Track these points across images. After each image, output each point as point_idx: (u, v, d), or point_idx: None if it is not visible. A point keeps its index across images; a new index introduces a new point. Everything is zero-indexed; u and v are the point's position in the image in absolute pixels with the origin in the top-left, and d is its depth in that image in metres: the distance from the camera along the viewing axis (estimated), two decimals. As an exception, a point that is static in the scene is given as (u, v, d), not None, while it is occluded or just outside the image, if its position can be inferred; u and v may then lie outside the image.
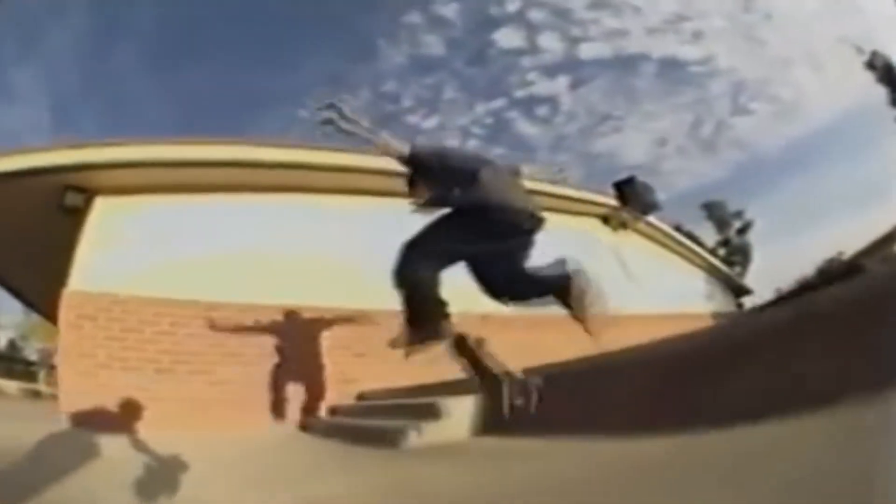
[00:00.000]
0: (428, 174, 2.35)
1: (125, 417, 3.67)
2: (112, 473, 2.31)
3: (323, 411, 4.24)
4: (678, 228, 19.16)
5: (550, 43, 36.13)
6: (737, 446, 1.22)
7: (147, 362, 3.98)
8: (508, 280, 2.40)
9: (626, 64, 36.56)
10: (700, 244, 16.86)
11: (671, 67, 35.69)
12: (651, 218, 9.78)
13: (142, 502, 1.79)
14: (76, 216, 4.44)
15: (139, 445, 3.00)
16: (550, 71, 38.76)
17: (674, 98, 38.74)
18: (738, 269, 19.19)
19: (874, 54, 13.63)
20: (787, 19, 29.26)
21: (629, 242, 9.03)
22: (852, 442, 1.01)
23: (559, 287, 2.49)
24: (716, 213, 22.82)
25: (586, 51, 35.68)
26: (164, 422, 3.63)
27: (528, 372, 2.39)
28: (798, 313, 1.53)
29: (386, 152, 2.31)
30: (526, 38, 34.63)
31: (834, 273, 11.24)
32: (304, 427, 3.88)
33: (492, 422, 2.37)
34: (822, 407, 1.13)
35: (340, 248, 5.04)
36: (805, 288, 11.32)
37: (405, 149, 2.30)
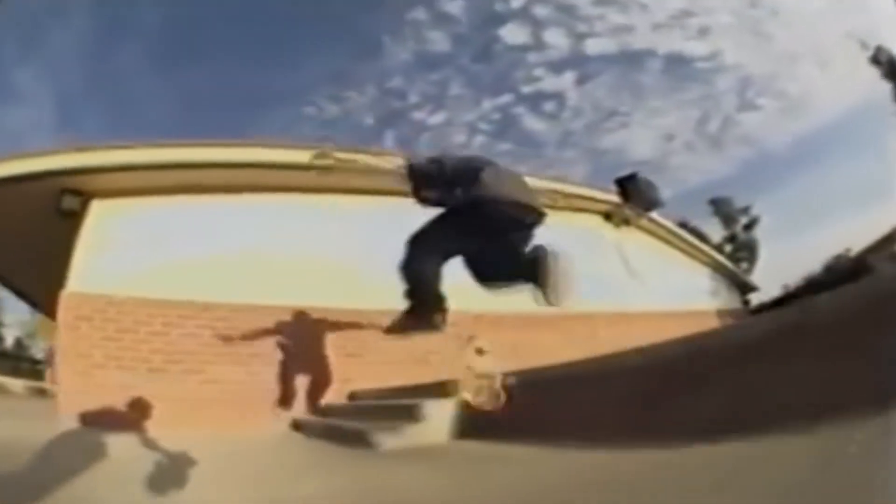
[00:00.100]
0: (429, 182, 2.48)
1: (121, 416, 3.81)
2: (109, 471, 2.43)
3: (315, 411, 4.36)
4: (684, 224, 19.11)
5: (556, 39, 35.99)
6: (718, 461, 1.20)
7: (141, 362, 4.12)
8: (500, 269, 2.53)
9: (632, 60, 36.44)
10: (706, 240, 16.80)
11: (677, 63, 35.52)
12: (655, 214, 9.78)
13: (131, 498, 1.89)
14: (73, 219, 4.59)
15: (132, 443, 3.13)
16: (556, 67, 38.69)
17: (680, 94, 38.60)
18: (744, 265, 19.10)
19: (879, 50, 13.47)
20: (793, 15, 29.06)
21: (632, 239, 9.01)
22: (845, 462, 0.95)
23: (534, 269, 2.60)
24: (722, 209, 22.70)
25: (592, 47, 35.51)
26: (157, 420, 3.76)
27: (509, 375, 2.48)
28: (789, 321, 1.45)
29: (385, 173, 2.46)
30: (531, 34, 34.59)
31: (841, 270, 11.16)
32: (297, 427, 3.99)
33: (473, 426, 2.39)
34: (813, 423, 1.08)
35: (336, 248, 5.14)
36: (812, 285, 11.26)
37: (402, 166, 2.43)
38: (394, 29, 39.96)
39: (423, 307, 2.53)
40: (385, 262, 4.74)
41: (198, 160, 4.90)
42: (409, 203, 2.59)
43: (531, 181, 6.09)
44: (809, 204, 29.14)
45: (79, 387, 4.01)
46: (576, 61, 39.29)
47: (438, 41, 37.92)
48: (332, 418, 3.52)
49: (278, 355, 4.45)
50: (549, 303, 2.42)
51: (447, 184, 2.41)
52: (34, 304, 9.12)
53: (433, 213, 2.65)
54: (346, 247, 5.10)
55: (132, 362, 4.11)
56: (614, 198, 8.40)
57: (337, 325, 4.76)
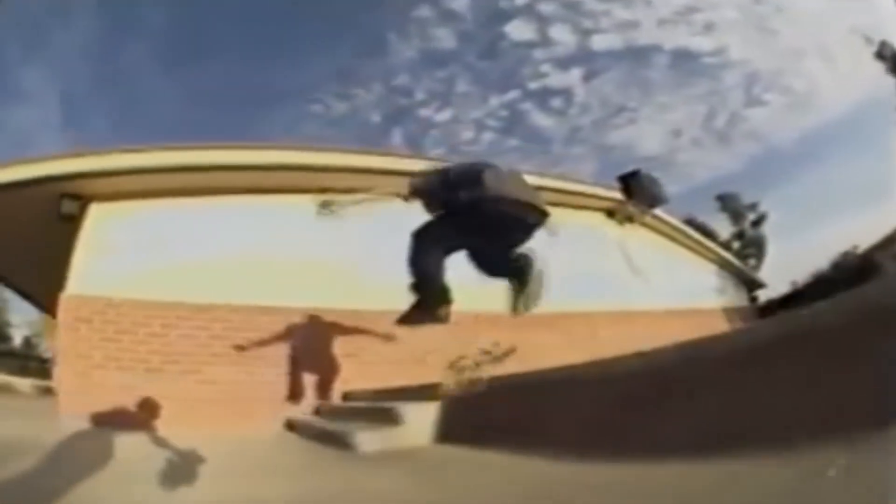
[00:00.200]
0: (433, 195, 2.59)
1: (121, 415, 3.94)
2: (107, 468, 2.53)
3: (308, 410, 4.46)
4: (691, 221, 19.02)
5: (562, 35, 35.94)
6: (695, 481, 1.16)
7: (139, 363, 4.25)
8: (500, 268, 2.66)
9: (638, 56, 36.49)
10: (713, 237, 16.72)
11: (684, 59, 35.55)
12: (660, 211, 9.75)
13: (127, 495, 1.99)
14: (73, 223, 4.72)
15: (130, 442, 3.24)
16: (563, 63, 38.64)
17: (687, 89, 38.50)
18: (752, 262, 19.01)
19: (883, 45, 13.34)
20: (797, 10, 28.98)
21: (636, 237, 8.99)
22: (824, 485, 0.90)
23: (516, 274, 2.72)
24: (730, 205, 22.59)
25: (598, 43, 35.49)
26: (152, 419, 3.88)
27: (479, 381, 2.56)
28: (780, 332, 1.35)
29: (389, 197, 2.59)
30: (537, 30, 34.59)
31: (848, 267, 11.10)
32: (291, 426, 4.09)
33: (454, 430, 2.41)
34: (796, 445, 1.03)
35: (333, 249, 5.22)
36: (820, 282, 11.20)
37: (405, 189, 2.55)
38: (399, 26, 40.20)
39: (430, 300, 2.64)
40: (382, 263, 4.86)
41: (195, 163, 5.01)
42: (406, 204, 2.69)
43: (534, 180, 6.17)
44: (817, 200, 29.10)
45: (79, 387, 4.15)
46: (582, 57, 39.36)
47: (444, 38, 38.03)
48: (322, 419, 3.60)
49: (286, 355, 4.59)
50: (514, 310, 2.55)
51: (451, 189, 2.50)
52: (39, 305, 9.35)
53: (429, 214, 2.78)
54: (343, 248, 5.18)
55: (131, 363, 4.24)
56: (617, 195, 8.40)
57: (343, 327, 4.85)
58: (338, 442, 2.56)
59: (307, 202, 5.40)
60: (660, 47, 34.68)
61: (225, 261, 4.79)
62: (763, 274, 14.90)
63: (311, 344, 4.75)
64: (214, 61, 43.12)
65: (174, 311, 4.47)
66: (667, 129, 40.35)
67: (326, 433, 2.86)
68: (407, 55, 40.92)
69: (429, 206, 2.63)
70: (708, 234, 15.48)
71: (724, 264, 11.93)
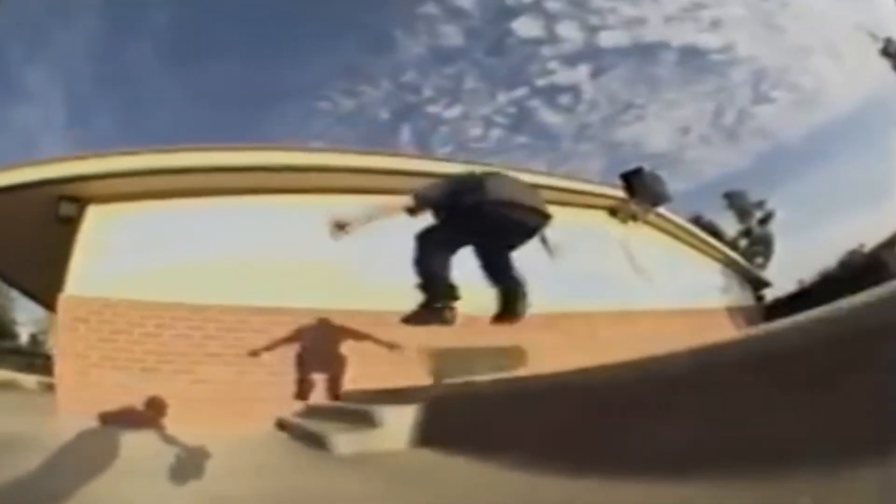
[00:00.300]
0: (438, 203, 2.70)
1: (119, 413, 4.09)
2: (99, 464, 2.66)
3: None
4: (698, 219, 18.96)
5: (569, 32, 35.92)
6: (663, 497, 1.14)
7: (134, 362, 4.40)
8: (501, 270, 2.78)
9: (646, 52, 36.43)
10: (719, 235, 16.67)
11: (691, 55, 35.48)
12: (665, 209, 9.74)
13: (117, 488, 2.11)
14: (71, 224, 4.88)
15: (125, 440, 3.38)
16: (570, 60, 38.60)
17: (695, 86, 38.38)
18: (759, 260, 18.96)
19: (888, 42, 13.24)
20: (803, 7, 28.96)
21: (639, 235, 9.01)
22: None
23: (505, 294, 2.84)
24: (737, 202, 22.56)
25: (606, 39, 35.41)
26: (148, 418, 4.03)
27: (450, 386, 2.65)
28: (754, 351, 1.27)
29: (397, 212, 2.71)
30: (544, 27, 34.60)
31: (855, 266, 11.05)
32: (282, 426, 4.23)
33: (431, 434, 2.40)
34: (764, 471, 0.98)
35: (328, 249, 5.32)
36: (827, 280, 11.16)
37: (410, 201, 2.64)
38: (406, 23, 40.42)
39: (436, 299, 2.75)
40: (378, 264, 4.98)
41: (191, 165, 5.14)
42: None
43: (533, 178, 6.23)
44: (824, 198, 29.09)
45: (77, 385, 4.31)
46: (590, 54, 39.20)
47: (451, 35, 38.14)
48: (309, 419, 3.72)
49: (279, 355, 4.72)
50: (494, 319, 2.66)
51: (455, 196, 2.64)
52: (44, 303, 9.61)
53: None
54: (338, 249, 5.27)
55: (126, 362, 4.40)
56: (620, 193, 8.39)
57: (349, 330, 4.98)
58: (317, 443, 2.64)
59: (303, 203, 5.59)
60: (667, 44, 34.65)
61: (220, 262, 4.92)
62: (770, 272, 14.91)
63: (318, 345, 4.89)
64: (221, 59, 43.46)
65: (168, 311, 4.62)
66: (675, 126, 40.26)
67: (308, 434, 2.96)
68: (414, 52, 41.04)
69: (436, 216, 2.75)
70: (714, 232, 15.44)
71: (729, 263, 11.89)
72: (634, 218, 9.20)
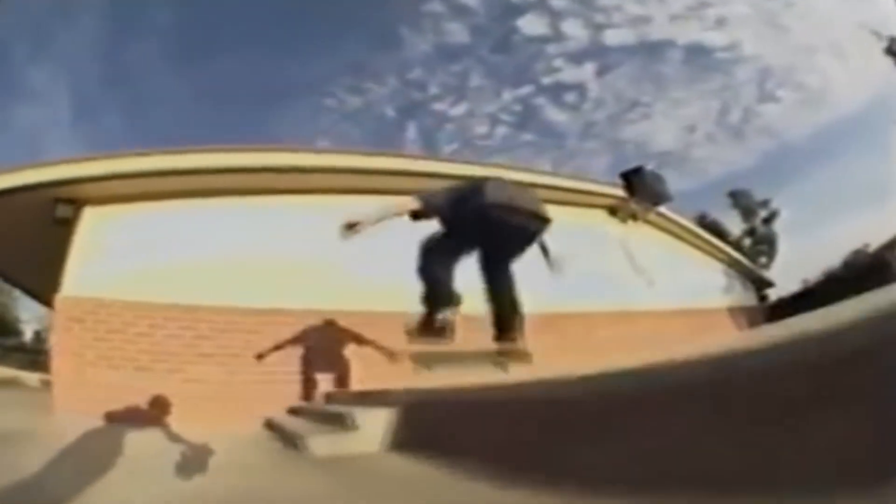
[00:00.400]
0: (442, 208, 2.83)
1: (112, 411, 4.26)
2: (93, 460, 2.80)
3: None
4: (703, 217, 18.95)
5: (575, 30, 36.04)
6: None
7: (128, 361, 4.57)
8: (500, 274, 2.84)
9: (651, 50, 36.51)
10: (723, 234, 16.66)
11: (697, 54, 35.53)
12: (667, 209, 9.75)
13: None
14: (67, 226, 5.06)
15: (120, 436, 3.53)
16: (576, 58, 38.72)
17: (701, 84, 38.46)
18: (763, 259, 18.93)
19: (893, 41, 13.16)
20: (807, 6, 28.92)
21: (640, 235, 9.03)
22: None
23: (497, 315, 2.94)
24: (741, 201, 22.54)
25: (611, 37, 35.44)
26: (141, 415, 4.20)
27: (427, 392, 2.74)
28: (704, 379, 1.17)
29: (404, 213, 2.84)
30: (550, 25, 34.77)
31: (859, 266, 11.04)
32: (269, 426, 4.37)
33: (405, 439, 2.43)
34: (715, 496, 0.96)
35: (320, 250, 5.45)
36: (831, 280, 11.15)
37: (417, 203, 2.78)
38: (412, 21, 40.74)
39: (438, 307, 2.90)
40: (371, 264, 5.10)
41: (185, 167, 5.30)
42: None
43: (533, 178, 6.27)
44: (829, 197, 29.16)
45: (73, 383, 4.48)
46: (595, 52, 39.39)
47: (457, 33, 38.36)
48: (293, 420, 3.85)
49: (307, 351, 4.93)
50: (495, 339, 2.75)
51: (457, 202, 2.77)
52: (44, 302, 9.87)
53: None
54: (331, 250, 5.39)
55: (121, 361, 4.57)
56: (620, 192, 8.42)
57: (352, 334, 5.14)
58: (294, 444, 2.74)
59: (294, 204, 5.73)
60: (673, 42, 34.75)
61: (212, 263, 5.09)
62: (774, 272, 14.92)
63: (322, 346, 5.05)
64: (227, 57, 44.00)
65: (161, 311, 4.78)
66: (681, 124, 40.24)
67: (287, 435, 3.08)
68: (420, 49, 41.40)
69: (441, 222, 2.87)
70: (718, 231, 15.44)
71: (731, 263, 11.87)
72: (634, 217, 9.22)
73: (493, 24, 38.70)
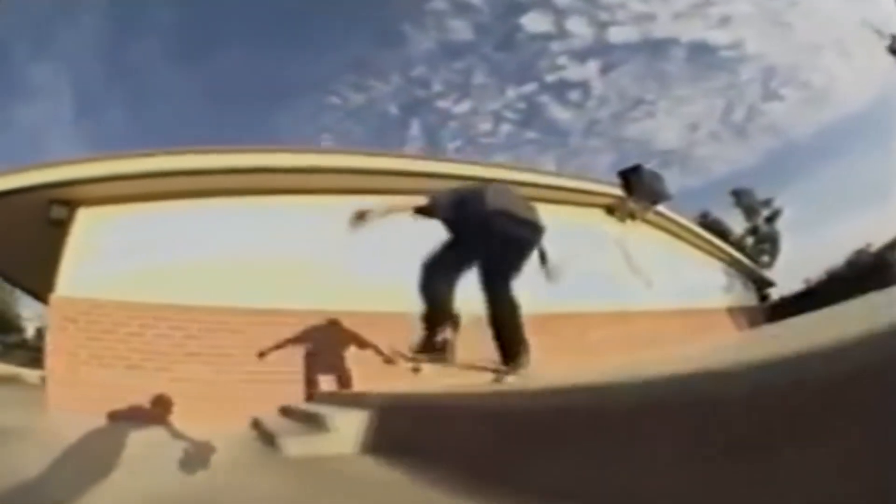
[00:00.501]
0: (447, 210, 2.89)
1: (103, 408, 4.34)
2: (85, 457, 2.87)
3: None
4: (705, 216, 18.92)
5: (578, 28, 36.01)
6: None
7: (120, 360, 4.67)
8: (499, 281, 2.80)
9: (655, 48, 36.46)
10: (725, 233, 16.64)
11: (701, 52, 35.50)
12: (667, 207, 9.74)
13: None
14: (62, 227, 5.15)
15: (114, 434, 3.61)
16: (580, 55, 38.75)
17: (704, 83, 38.38)
18: (766, 258, 18.89)
19: (895, 39, 13.11)
20: (811, 4, 28.86)
21: (638, 234, 9.03)
22: None
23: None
24: (744, 200, 22.48)
25: (615, 35, 35.40)
26: (131, 413, 4.28)
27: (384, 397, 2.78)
28: (674, 400, 1.10)
29: (410, 210, 2.90)
30: (554, 22, 34.78)
31: (862, 265, 11.03)
32: (255, 425, 4.43)
33: (378, 441, 2.46)
34: None
35: (314, 249, 5.52)
36: (834, 279, 11.13)
37: (425, 200, 2.85)
38: (415, 18, 40.82)
39: (440, 323, 2.97)
40: (365, 264, 5.15)
41: (177, 168, 5.38)
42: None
43: (532, 177, 6.26)
44: (832, 196, 29.12)
45: (67, 382, 4.59)
46: (599, 50, 39.40)
47: (461, 30, 38.40)
48: (277, 420, 3.91)
49: (310, 350, 5.03)
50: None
51: (461, 204, 2.84)
52: (43, 301, 10.01)
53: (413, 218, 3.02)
54: (324, 250, 5.46)
55: (113, 360, 4.67)
56: (618, 191, 8.43)
57: (353, 335, 5.19)
58: (272, 444, 2.82)
59: (287, 204, 5.79)
60: (677, 40, 34.71)
61: (203, 264, 5.20)
62: (776, 271, 14.90)
63: (324, 346, 5.13)
64: (229, 55, 44.18)
65: (151, 311, 4.89)
66: (685, 122, 40.21)
67: (266, 435, 3.15)
68: (424, 47, 41.49)
69: (444, 219, 2.92)
70: (720, 230, 15.42)
71: (731, 262, 11.85)
72: (633, 216, 9.22)
73: (497, 21, 38.78)
